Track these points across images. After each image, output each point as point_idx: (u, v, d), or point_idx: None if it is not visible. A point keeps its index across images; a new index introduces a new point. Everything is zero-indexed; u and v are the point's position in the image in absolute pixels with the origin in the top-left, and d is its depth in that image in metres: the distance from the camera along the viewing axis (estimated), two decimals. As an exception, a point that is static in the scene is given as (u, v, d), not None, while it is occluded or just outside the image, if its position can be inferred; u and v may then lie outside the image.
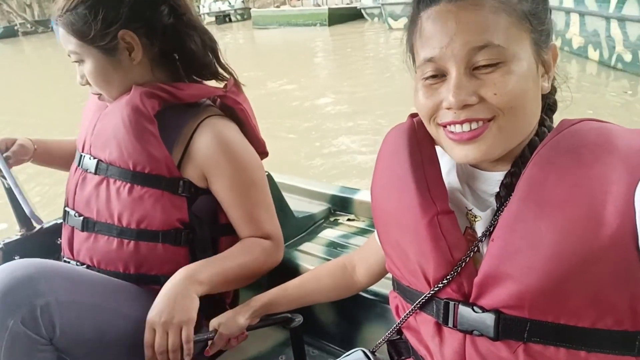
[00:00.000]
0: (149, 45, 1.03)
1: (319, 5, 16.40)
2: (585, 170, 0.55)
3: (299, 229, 1.48)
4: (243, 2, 20.79)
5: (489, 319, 0.60)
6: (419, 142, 0.71)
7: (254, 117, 1.10)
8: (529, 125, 0.62)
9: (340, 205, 1.55)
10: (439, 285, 0.64)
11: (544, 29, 0.62)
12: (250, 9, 19.79)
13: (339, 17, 14.58)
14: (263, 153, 1.15)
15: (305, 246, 1.41)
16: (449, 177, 0.73)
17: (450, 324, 0.64)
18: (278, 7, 17.82)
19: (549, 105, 0.68)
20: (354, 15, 14.44)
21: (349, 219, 1.50)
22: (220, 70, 1.11)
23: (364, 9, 14.18)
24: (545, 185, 0.57)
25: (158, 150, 0.98)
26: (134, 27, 1.00)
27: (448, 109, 0.61)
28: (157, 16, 1.03)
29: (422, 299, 0.67)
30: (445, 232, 0.64)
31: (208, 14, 19.87)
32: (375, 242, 0.87)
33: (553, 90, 0.69)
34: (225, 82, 1.11)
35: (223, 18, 19.85)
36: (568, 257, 0.54)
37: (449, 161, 0.75)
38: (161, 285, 1.02)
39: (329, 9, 14.82)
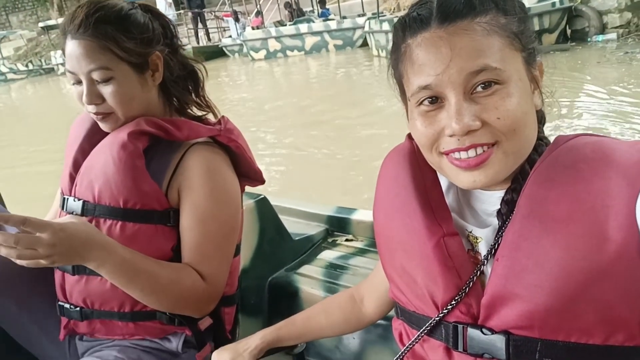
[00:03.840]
0: (164, 71, 1.02)
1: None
2: (585, 186, 0.55)
3: (296, 251, 1.46)
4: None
5: (499, 340, 0.59)
6: (419, 163, 0.70)
7: (248, 149, 1.09)
8: (531, 144, 0.62)
9: (338, 225, 1.55)
10: (448, 307, 0.63)
11: (531, 47, 0.62)
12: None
13: (203, 54, 15.69)
14: (260, 181, 1.15)
15: (304, 269, 1.40)
16: (448, 197, 0.73)
17: (460, 348, 0.62)
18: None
19: (540, 119, 0.68)
20: (216, 52, 15.78)
21: (347, 239, 1.51)
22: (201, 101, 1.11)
23: (225, 46, 15.84)
24: (546, 202, 0.56)
25: (148, 185, 0.95)
26: (160, 49, 1.00)
27: (451, 136, 0.59)
28: (174, 43, 1.04)
29: (431, 323, 0.65)
30: (452, 254, 0.63)
31: (62, 64, 18.81)
32: (382, 270, 0.83)
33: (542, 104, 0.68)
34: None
35: None
36: (575, 274, 0.53)
37: (446, 181, 0.74)
38: (157, 319, 1.00)
39: (193, 47, 15.88)
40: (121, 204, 0.94)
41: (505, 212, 0.62)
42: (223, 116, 1.08)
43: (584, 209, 0.54)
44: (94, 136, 1.05)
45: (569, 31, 8.43)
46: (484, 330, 0.60)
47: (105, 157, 0.97)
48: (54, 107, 11.43)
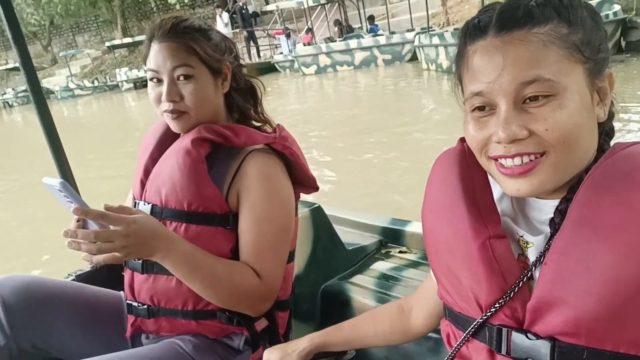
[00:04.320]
0: (231, 81, 1.11)
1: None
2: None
3: (349, 261, 1.48)
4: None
5: (544, 346, 0.58)
6: (470, 166, 0.70)
7: (303, 156, 1.14)
8: (584, 157, 0.61)
9: (392, 237, 1.56)
10: (492, 309, 0.62)
11: (598, 58, 0.60)
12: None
13: (257, 70, 16.90)
14: (313, 188, 1.19)
15: (357, 278, 1.42)
16: (501, 202, 0.73)
17: (504, 351, 0.62)
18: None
19: (605, 131, 0.66)
20: (268, 68, 16.52)
21: (400, 251, 1.51)
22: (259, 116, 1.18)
23: (277, 62, 16.55)
24: (599, 208, 0.55)
25: (210, 189, 1.01)
26: (230, 60, 1.09)
27: (498, 142, 0.60)
28: (238, 60, 1.13)
29: (475, 325, 0.65)
30: (497, 256, 0.63)
31: (126, 80, 20.60)
32: (433, 282, 0.83)
33: (610, 116, 0.66)
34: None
35: (142, 84, 20.16)
36: (625, 281, 0.52)
37: (500, 188, 0.72)
38: (217, 319, 1.04)
39: (247, 64, 16.75)
40: (185, 207, 1.01)
41: (559, 221, 0.61)
42: (278, 124, 1.14)
43: (638, 217, 0.53)
44: (162, 145, 1.13)
45: (623, 43, 8.35)
46: (529, 335, 0.59)
47: (171, 163, 1.04)
48: (118, 120, 12.14)
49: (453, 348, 0.71)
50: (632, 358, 0.53)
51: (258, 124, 1.16)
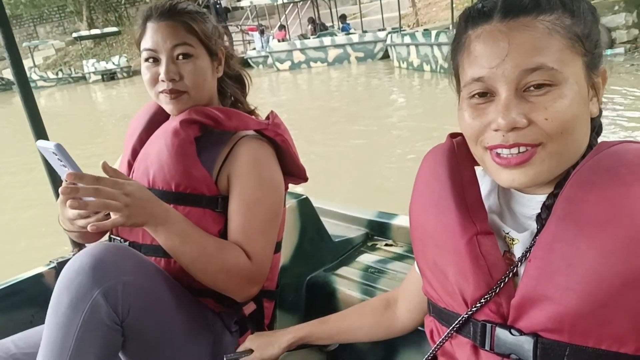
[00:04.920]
0: (224, 67, 1.11)
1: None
2: (625, 189, 0.54)
3: (336, 253, 1.48)
4: (127, 60, 20.86)
5: (527, 342, 0.58)
6: (458, 162, 0.70)
7: (293, 145, 1.14)
8: (577, 151, 0.61)
9: (378, 230, 1.56)
10: (477, 305, 0.63)
11: (596, 52, 0.61)
12: (131, 67, 20.40)
13: None
14: (302, 178, 1.19)
15: (343, 270, 1.42)
16: (489, 199, 0.73)
17: (488, 346, 0.62)
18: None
19: (594, 128, 0.66)
20: (241, 63, 16.15)
21: (387, 244, 1.52)
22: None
23: (250, 58, 16.78)
24: (584, 204, 0.55)
25: (198, 171, 1.01)
26: (224, 45, 1.09)
27: (496, 130, 0.59)
28: (230, 48, 1.14)
29: (460, 320, 0.65)
30: (484, 252, 0.63)
31: (94, 72, 20.32)
32: (417, 276, 0.83)
33: (599, 112, 0.66)
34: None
35: (110, 76, 20.19)
36: (609, 277, 0.52)
37: (489, 183, 0.74)
38: (209, 297, 1.04)
39: None
40: (173, 187, 1.00)
41: (545, 217, 0.61)
42: (272, 111, 1.13)
43: (623, 213, 0.53)
44: (151, 127, 1.12)
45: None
46: (512, 330, 0.60)
47: (159, 144, 1.03)
48: (86, 112, 11.85)
49: (437, 343, 0.71)
50: (614, 354, 0.54)
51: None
